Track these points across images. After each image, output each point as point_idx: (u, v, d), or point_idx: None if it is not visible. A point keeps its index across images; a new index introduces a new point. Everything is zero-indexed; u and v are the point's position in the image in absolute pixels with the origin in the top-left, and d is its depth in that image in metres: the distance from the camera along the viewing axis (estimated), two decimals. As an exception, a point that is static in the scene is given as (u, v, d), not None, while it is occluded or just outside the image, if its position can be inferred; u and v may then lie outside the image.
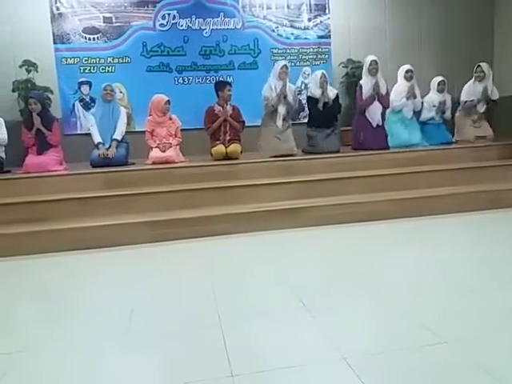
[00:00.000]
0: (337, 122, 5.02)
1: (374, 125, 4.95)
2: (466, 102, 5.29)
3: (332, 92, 4.94)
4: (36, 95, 4.51)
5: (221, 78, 5.78)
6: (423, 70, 5.80)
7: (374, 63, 4.91)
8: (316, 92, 4.88)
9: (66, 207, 3.62)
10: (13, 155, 4.62)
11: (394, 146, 5.02)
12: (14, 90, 5.35)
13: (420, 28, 6.46)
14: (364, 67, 5.01)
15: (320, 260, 2.83)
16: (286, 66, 4.67)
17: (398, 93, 5.20)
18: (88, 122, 4.72)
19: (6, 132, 4.50)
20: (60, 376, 1.62)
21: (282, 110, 4.66)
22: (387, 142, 4.98)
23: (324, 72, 4.93)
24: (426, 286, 2.27)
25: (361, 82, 5.04)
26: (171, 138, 4.71)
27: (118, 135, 4.55)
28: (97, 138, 4.50)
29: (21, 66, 5.35)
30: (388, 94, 5.02)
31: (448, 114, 5.31)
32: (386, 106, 5.00)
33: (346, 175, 4.23)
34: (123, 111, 4.70)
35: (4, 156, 4.55)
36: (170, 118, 4.75)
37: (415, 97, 5.15)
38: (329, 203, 3.83)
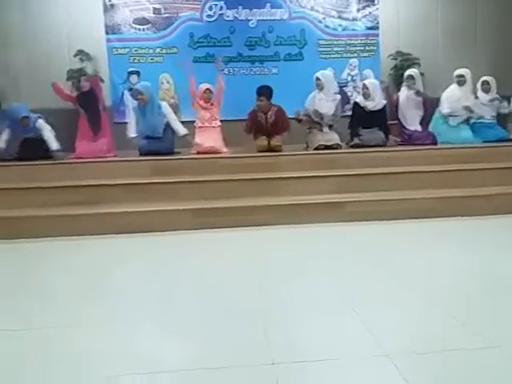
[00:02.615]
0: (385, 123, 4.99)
1: (413, 130, 4.94)
2: None
3: (379, 102, 4.87)
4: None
5: (266, 71, 5.77)
6: (477, 65, 5.53)
7: (410, 77, 4.93)
8: (359, 99, 4.98)
9: (115, 192, 3.77)
10: (65, 141, 4.82)
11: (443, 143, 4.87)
12: (68, 79, 5.59)
13: (475, 20, 6.16)
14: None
15: (363, 256, 2.80)
16: (317, 77, 4.73)
17: (447, 97, 5.08)
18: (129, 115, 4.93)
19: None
20: (101, 349, 1.70)
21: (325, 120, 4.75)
22: (435, 138, 4.83)
23: (366, 83, 4.93)
24: (475, 288, 2.21)
25: (399, 93, 5.09)
26: (214, 122, 4.80)
27: (181, 131, 4.63)
28: (131, 132, 4.61)
29: (75, 56, 5.59)
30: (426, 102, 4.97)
31: (503, 108, 5.05)
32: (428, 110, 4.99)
33: (390, 170, 4.13)
34: (165, 106, 4.68)
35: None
36: (212, 104, 4.85)
37: (472, 111, 5.00)
38: (371, 198, 3.77)
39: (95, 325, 1.93)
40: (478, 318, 1.85)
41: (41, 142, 4.50)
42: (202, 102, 4.84)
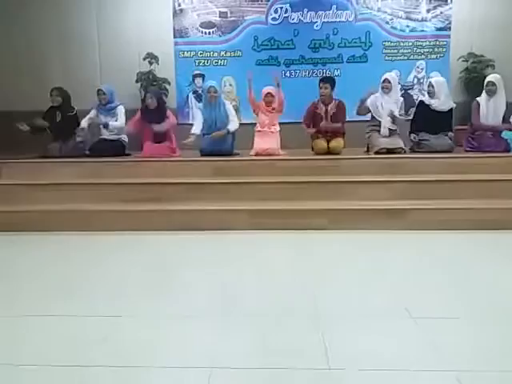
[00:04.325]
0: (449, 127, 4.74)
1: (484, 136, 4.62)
2: None
3: (445, 102, 4.66)
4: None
5: (328, 72, 5.72)
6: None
7: (490, 84, 4.57)
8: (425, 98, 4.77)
9: (177, 191, 3.91)
10: (133, 140, 5.07)
11: None
12: (137, 81, 5.88)
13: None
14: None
15: (423, 266, 2.69)
16: (387, 79, 4.56)
17: None
18: (195, 117, 5.03)
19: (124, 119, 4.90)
20: (154, 342, 1.77)
21: (386, 122, 4.59)
22: (508, 145, 4.51)
23: (432, 81, 4.77)
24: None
25: (478, 99, 4.69)
26: (273, 128, 4.77)
27: (231, 127, 4.70)
28: (196, 130, 4.65)
29: (144, 59, 5.85)
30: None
31: None
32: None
33: (458, 177, 3.92)
34: (228, 105, 4.82)
35: (126, 140, 5.04)
36: (273, 109, 4.79)
37: None
38: (436, 207, 3.60)
39: (155, 318, 2.01)
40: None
41: (114, 142, 4.88)
42: (262, 106, 4.83)
